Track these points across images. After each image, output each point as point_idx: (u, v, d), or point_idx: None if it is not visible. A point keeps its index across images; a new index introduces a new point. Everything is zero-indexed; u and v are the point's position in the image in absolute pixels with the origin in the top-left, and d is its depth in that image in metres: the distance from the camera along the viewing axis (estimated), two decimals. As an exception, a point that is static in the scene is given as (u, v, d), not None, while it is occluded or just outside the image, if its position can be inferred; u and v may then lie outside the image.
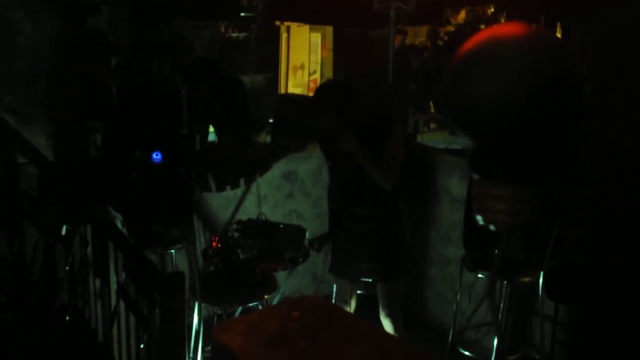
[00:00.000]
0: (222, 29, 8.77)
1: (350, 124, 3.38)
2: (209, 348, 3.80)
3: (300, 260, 3.86)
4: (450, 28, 9.08)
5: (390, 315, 3.74)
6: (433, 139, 5.65)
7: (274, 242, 3.84)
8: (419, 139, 5.60)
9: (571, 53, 1.66)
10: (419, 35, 9.42)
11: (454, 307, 4.02)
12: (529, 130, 1.59)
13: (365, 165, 3.40)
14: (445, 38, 9.17)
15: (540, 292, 3.67)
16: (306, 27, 8.73)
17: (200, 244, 4.26)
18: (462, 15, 9.01)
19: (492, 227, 1.76)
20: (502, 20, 8.03)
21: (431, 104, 7.96)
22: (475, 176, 1.73)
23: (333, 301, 3.97)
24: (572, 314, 3.75)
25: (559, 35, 4.84)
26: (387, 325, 3.74)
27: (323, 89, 3.63)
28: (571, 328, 3.79)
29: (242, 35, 8.96)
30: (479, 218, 1.75)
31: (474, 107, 1.59)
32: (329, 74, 8.87)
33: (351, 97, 3.44)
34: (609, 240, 3.30)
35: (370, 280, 3.70)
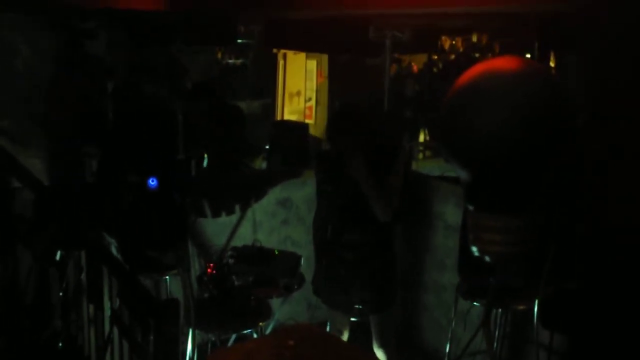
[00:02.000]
0: (219, 55, 8.82)
1: (361, 148, 3.41)
2: (202, 376, 3.79)
3: (295, 287, 3.86)
4: (449, 56, 9.16)
5: (384, 344, 3.73)
6: (428, 166, 5.68)
7: (269, 269, 3.84)
8: (414, 166, 5.62)
9: (563, 86, 1.69)
10: (417, 64, 9.49)
11: (449, 334, 4.00)
12: (523, 162, 1.61)
13: (368, 193, 3.40)
14: (440, 66, 9.24)
15: (535, 321, 3.66)
16: (302, 54, 8.79)
17: (195, 270, 4.24)
18: (458, 43, 9.08)
19: (487, 258, 1.78)
20: (497, 48, 8.10)
21: (425, 131, 8.01)
22: (470, 207, 1.75)
23: (328, 328, 3.96)
24: (568, 342, 3.74)
25: (552, 64, 4.89)
26: (381, 354, 3.72)
27: (343, 109, 3.66)
28: (567, 356, 3.78)
29: (238, 61, 9.00)
30: (474, 249, 1.76)
31: (468, 140, 1.60)
32: (324, 100, 8.91)
33: (366, 121, 3.50)
34: (605, 266, 3.30)
35: (363, 307, 3.68)
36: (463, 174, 1.71)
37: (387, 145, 3.60)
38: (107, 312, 3.01)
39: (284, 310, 4.33)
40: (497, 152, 1.60)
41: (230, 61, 8.91)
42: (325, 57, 8.75)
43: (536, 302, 3.62)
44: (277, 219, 4.88)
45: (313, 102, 9.05)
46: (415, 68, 8.31)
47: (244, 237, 4.52)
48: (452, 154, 1.70)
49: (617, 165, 2.97)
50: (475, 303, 3.76)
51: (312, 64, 8.97)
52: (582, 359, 3.68)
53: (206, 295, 3.80)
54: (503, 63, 1.64)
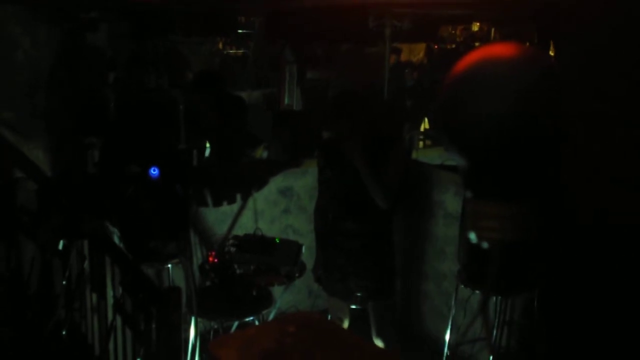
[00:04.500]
0: (220, 46, 8.84)
1: (360, 132, 3.43)
2: (205, 363, 3.81)
3: (297, 275, 3.88)
4: (447, 46, 9.15)
5: (382, 332, 3.75)
6: (428, 154, 5.69)
7: (271, 257, 3.86)
8: (414, 155, 5.63)
9: (563, 73, 1.70)
10: (414, 53, 9.48)
11: (449, 322, 4.03)
12: (521, 149, 1.63)
13: (365, 179, 3.42)
14: (440, 55, 9.24)
15: (535, 308, 3.69)
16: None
17: (197, 259, 4.27)
18: (458, 33, 9.08)
19: (485, 244, 1.79)
20: (497, 37, 8.10)
21: (426, 120, 8.02)
22: (469, 194, 1.76)
23: (329, 316, 3.99)
24: (567, 330, 3.76)
25: (551, 53, 4.89)
26: (380, 342, 3.75)
27: (343, 95, 3.68)
28: (567, 344, 3.80)
29: (239, 51, 9.02)
30: (472, 236, 1.78)
31: (466, 127, 1.62)
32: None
33: (365, 105, 3.51)
34: (607, 255, 3.32)
35: (361, 294, 3.71)
36: (461, 161, 1.72)
37: (387, 134, 3.61)
38: (110, 301, 3.04)
39: (286, 298, 4.37)
40: (495, 139, 1.62)
41: (231, 51, 8.94)
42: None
43: (536, 289, 3.65)
44: (278, 208, 4.91)
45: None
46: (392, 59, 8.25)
47: (245, 226, 4.54)
48: (450, 141, 1.72)
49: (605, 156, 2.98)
50: (475, 290, 3.78)
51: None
52: (583, 347, 3.70)
53: (208, 283, 3.83)
54: (501, 49, 1.65)
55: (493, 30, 8.36)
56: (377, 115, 3.66)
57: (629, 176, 2.87)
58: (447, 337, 4.04)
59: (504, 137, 1.62)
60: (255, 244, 3.96)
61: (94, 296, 3.26)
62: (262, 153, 5.46)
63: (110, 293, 3.06)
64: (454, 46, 9.04)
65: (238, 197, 4.63)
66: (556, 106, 1.64)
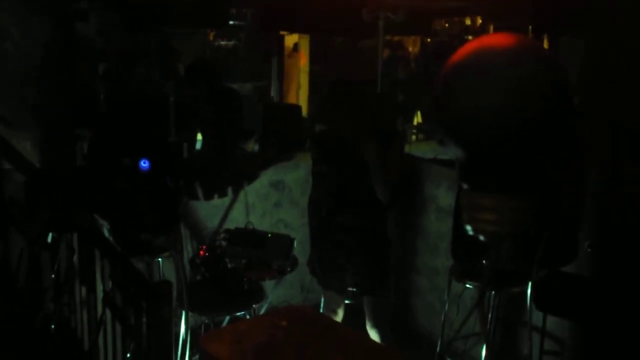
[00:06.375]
0: (211, 37, 8.79)
1: (363, 124, 3.40)
2: (196, 357, 3.79)
3: (288, 269, 3.85)
4: (442, 38, 9.13)
5: (377, 325, 3.73)
6: (421, 148, 5.67)
7: (262, 251, 3.83)
8: (407, 149, 5.60)
9: (559, 64, 1.67)
10: (407, 46, 9.45)
11: (442, 317, 4.01)
12: (519, 140, 1.60)
13: (375, 174, 3.38)
14: (433, 48, 9.22)
15: (528, 303, 3.67)
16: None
17: (188, 252, 4.24)
18: (452, 26, 9.06)
19: (481, 237, 1.77)
20: (491, 30, 8.08)
21: (419, 113, 8.00)
22: (465, 187, 1.74)
23: (321, 310, 3.96)
24: (561, 324, 3.75)
25: (545, 46, 4.88)
26: (374, 335, 3.73)
27: (340, 84, 3.65)
28: (559, 339, 3.79)
29: (230, 43, 8.98)
30: (469, 228, 1.75)
31: (463, 118, 1.59)
32: (305, 82, 8.86)
33: (361, 97, 3.48)
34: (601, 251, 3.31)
35: (356, 290, 3.69)
36: (458, 153, 1.69)
37: (386, 129, 3.59)
38: (100, 295, 3.01)
39: (277, 292, 4.34)
40: (493, 130, 1.59)
41: (222, 43, 8.89)
42: (306, 37, 8.67)
43: (530, 284, 3.63)
44: (270, 202, 4.88)
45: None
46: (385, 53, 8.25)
47: (236, 219, 4.51)
48: (447, 132, 1.69)
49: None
50: (468, 285, 3.76)
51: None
52: (576, 342, 3.69)
53: (199, 277, 3.80)
54: (498, 40, 1.62)
55: (487, 24, 8.35)
56: (376, 110, 3.64)
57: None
58: (441, 332, 4.02)
59: (500, 127, 1.59)
60: (247, 237, 3.93)
61: (84, 290, 3.22)
62: (253, 146, 5.43)
63: (99, 287, 3.03)
64: (447, 39, 9.01)
65: (229, 190, 4.60)
66: (555, 96, 1.62)
